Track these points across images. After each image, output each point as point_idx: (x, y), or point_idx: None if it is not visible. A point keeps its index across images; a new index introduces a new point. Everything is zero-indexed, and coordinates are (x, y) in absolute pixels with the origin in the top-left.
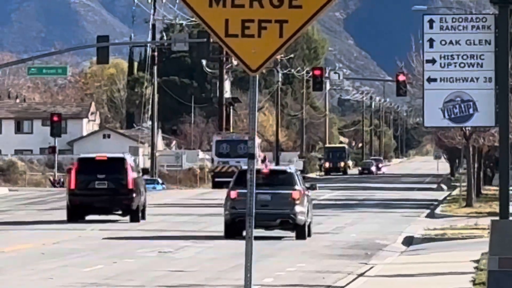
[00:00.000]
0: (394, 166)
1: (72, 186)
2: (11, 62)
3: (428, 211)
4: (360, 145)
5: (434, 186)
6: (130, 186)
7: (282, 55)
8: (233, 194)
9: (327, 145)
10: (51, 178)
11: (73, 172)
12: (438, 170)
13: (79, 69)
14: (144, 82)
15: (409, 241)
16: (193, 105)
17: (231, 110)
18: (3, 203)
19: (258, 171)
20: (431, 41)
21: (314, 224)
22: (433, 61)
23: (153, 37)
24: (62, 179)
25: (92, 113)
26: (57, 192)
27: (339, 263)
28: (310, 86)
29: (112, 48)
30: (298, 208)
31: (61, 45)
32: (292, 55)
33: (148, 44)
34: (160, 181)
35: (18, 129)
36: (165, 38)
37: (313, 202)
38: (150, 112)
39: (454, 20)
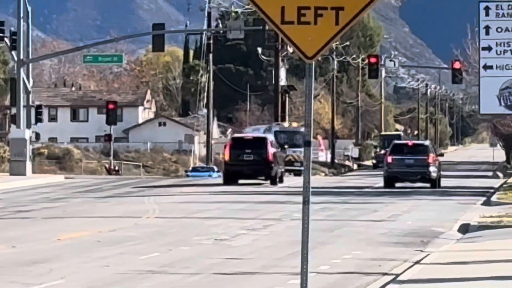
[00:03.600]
0: (450, 153)
1: (227, 158)
2: (67, 50)
3: (484, 198)
4: (415, 132)
5: (490, 173)
6: (270, 158)
7: (338, 43)
8: (389, 159)
9: (383, 132)
10: (107, 166)
11: (227, 148)
12: (493, 157)
13: (135, 57)
14: (199, 70)
15: (465, 228)
16: (248, 92)
17: (287, 98)
18: (59, 191)
19: (405, 144)
20: (487, 28)
21: (371, 211)
22: (489, 49)
23: (209, 25)
24: (117, 167)
25: (147, 101)
26: (112, 180)
27: (395, 250)
28: (366, 73)
29: (168, 36)
30: (431, 168)
31: (116, 33)
32: (347, 43)
33: (204, 32)
34: (215, 168)
35: (74, 117)
36: (220, 25)
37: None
38: (205, 100)
39: (510, 7)
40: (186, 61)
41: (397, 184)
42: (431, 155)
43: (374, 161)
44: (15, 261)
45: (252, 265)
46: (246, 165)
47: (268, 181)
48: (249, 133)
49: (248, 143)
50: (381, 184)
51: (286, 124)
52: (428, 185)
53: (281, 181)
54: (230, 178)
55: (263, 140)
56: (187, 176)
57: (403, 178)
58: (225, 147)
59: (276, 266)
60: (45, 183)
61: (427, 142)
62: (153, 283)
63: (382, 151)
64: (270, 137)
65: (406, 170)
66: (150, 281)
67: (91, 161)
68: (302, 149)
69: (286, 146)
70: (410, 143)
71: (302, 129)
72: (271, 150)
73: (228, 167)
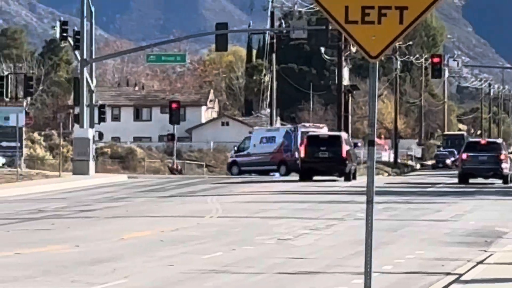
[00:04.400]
0: None
1: (303, 155)
2: (130, 49)
3: None
4: (478, 132)
5: None
6: (344, 155)
7: (401, 42)
8: (464, 156)
9: (446, 132)
10: (170, 165)
11: (303, 146)
12: None
13: (198, 57)
14: (262, 69)
15: None
16: (311, 92)
17: (350, 98)
18: (122, 190)
19: (478, 142)
20: None
21: (433, 211)
22: None
23: (272, 25)
24: (180, 167)
25: (210, 101)
26: (176, 179)
27: (458, 250)
28: (429, 73)
29: (231, 35)
30: (504, 165)
31: (179, 33)
32: (410, 42)
33: (267, 32)
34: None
35: (137, 116)
36: (283, 25)
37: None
38: (268, 100)
39: None
40: (249, 61)
41: (457, 183)
42: (503, 152)
43: (434, 161)
44: (79, 261)
45: (315, 264)
46: (321, 162)
47: (342, 178)
48: (261, 132)
49: (323, 141)
50: (453, 181)
51: (307, 124)
52: (500, 181)
53: (354, 177)
54: (306, 174)
55: (337, 138)
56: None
57: (476, 174)
58: (300, 145)
59: (339, 265)
60: (108, 183)
61: (499, 140)
62: (217, 283)
63: (441, 151)
64: (344, 135)
65: (480, 167)
66: (213, 280)
67: (154, 160)
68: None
69: None
70: (483, 141)
71: (324, 131)
72: (345, 147)
73: (304, 164)
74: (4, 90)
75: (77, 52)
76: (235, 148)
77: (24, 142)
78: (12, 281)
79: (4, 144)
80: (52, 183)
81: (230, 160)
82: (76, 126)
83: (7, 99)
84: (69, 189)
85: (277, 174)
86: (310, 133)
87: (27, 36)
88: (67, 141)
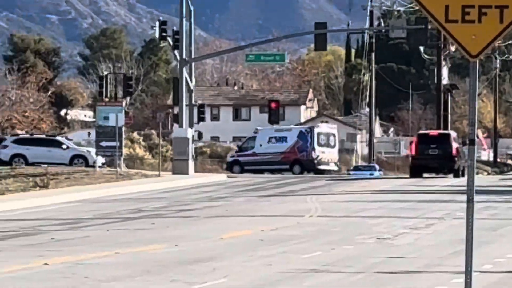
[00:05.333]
0: None
1: (413, 153)
2: (229, 49)
3: None
4: None
5: None
6: (454, 153)
7: (500, 41)
8: None
9: None
10: None
11: (414, 143)
12: None
13: (297, 56)
14: (361, 68)
15: None
16: (410, 91)
17: (449, 97)
18: (221, 190)
19: None
20: None
21: None
22: None
23: (371, 24)
24: None
25: (309, 100)
26: (276, 179)
27: None
28: None
29: (329, 35)
30: None
31: (278, 32)
32: (510, 41)
33: (366, 31)
34: (377, 167)
35: (236, 116)
36: (382, 24)
37: None
38: (367, 99)
39: None
40: (348, 60)
41: None
42: None
43: None
44: (178, 260)
45: (415, 264)
46: (431, 159)
47: (451, 175)
48: (268, 132)
49: (433, 139)
50: None
51: (321, 125)
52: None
53: (463, 174)
54: (416, 171)
55: (447, 136)
56: (348, 175)
57: None
58: (410, 143)
59: (439, 265)
60: (207, 182)
61: None
62: (316, 282)
63: None
64: (453, 133)
65: None
66: (313, 279)
67: None
68: (331, 150)
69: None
70: None
71: (334, 131)
72: (455, 145)
73: (414, 161)
74: (104, 90)
75: (176, 52)
76: (237, 148)
77: (123, 142)
78: (112, 280)
79: (104, 144)
80: (152, 182)
81: (230, 159)
82: (176, 125)
83: (107, 99)
84: (169, 188)
85: (375, 173)
86: (420, 131)
87: (126, 36)
88: (166, 140)
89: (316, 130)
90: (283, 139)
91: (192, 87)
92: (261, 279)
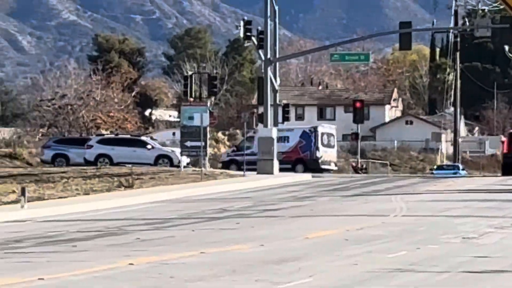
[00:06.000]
0: None
1: (505, 151)
2: (314, 49)
3: None
4: None
5: None
6: None
7: None
8: None
9: None
10: (354, 165)
11: (506, 141)
12: None
13: (381, 56)
14: (446, 68)
15: None
16: (495, 91)
17: None
18: (306, 189)
19: None
20: None
21: None
22: None
23: (455, 23)
24: (364, 165)
25: (394, 99)
26: (359, 178)
27: None
28: None
29: (414, 34)
30: None
31: (363, 32)
32: None
33: (450, 30)
34: (461, 167)
35: (321, 115)
36: (467, 23)
37: None
38: (452, 98)
39: None
40: (432, 60)
41: None
42: None
43: None
44: (264, 260)
45: (500, 263)
46: None
47: None
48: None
49: None
50: None
51: (325, 125)
52: None
53: None
54: (508, 169)
55: None
56: (431, 174)
57: None
58: (502, 141)
59: None
60: (292, 182)
61: None
62: (402, 281)
63: None
64: None
65: None
66: (398, 279)
67: (338, 159)
68: (332, 150)
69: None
70: None
71: (334, 132)
72: None
73: (507, 160)
74: (188, 89)
75: (261, 52)
76: (234, 147)
77: (208, 142)
78: (197, 280)
79: (189, 143)
80: (236, 182)
81: (227, 158)
82: (260, 125)
83: (191, 99)
84: (253, 188)
85: (461, 173)
86: (510, 130)
87: (211, 35)
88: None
89: (320, 130)
90: (284, 139)
91: (276, 87)
92: (346, 278)
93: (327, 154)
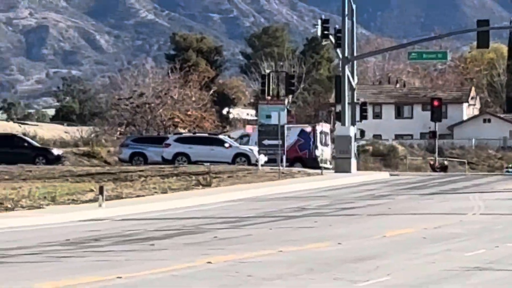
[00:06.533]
0: None
1: None
2: (391, 47)
3: None
4: None
5: None
6: None
7: None
8: None
9: None
10: (432, 163)
11: None
12: None
13: (459, 54)
14: None
15: None
16: None
17: None
18: (383, 188)
19: None
20: None
21: None
22: None
23: None
24: (446, 163)
25: (472, 98)
26: (437, 177)
27: None
28: None
29: (492, 32)
30: None
31: (440, 30)
32: None
33: None
34: None
35: (398, 114)
36: None
37: None
38: None
39: None
40: (510, 58)
41: None
42: None
43: None
44: (341, 258)
45: None
46: None
47: None
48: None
49: None
50: None
51: (321, 124)
52: None
53: None
54: None
55: None
56: (507, 173)
57: None
58: None
59: None
60: (369, 180)
61: None
62: (480, 280)
63: None
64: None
65: None
66: (476, 278)
67: (416, 158)
68: (328, 148)
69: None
70: None
71: (328, 131)
72: None
73: None
74: (266, 88)
75: (338, 50)
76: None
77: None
78: (275, 278)
79: (266, 142)
80: (314, 181)
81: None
82: (338, 124)
83: (269, 97)
84: (331, 186)
85: None
86: None
87: (288, 34)
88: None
89: (318, 129)
90: None
91: (354, 85)
92: (424, 277)
93: (324, 153)
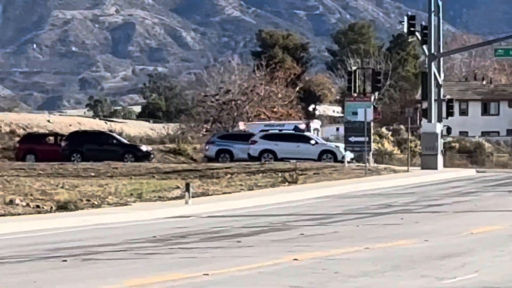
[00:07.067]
0: None
1: None
2: (477, 44)
3: None
4: None
5: None
6: None
7: None
8: None
9: None
10: None
11: None
12: None
13: None
14: None
15: None
16: None
17: None
18: (470, 185)
19: None
20: None
21: None
22: None
23: None
24: None
25: None
26: None
27: None
28: None
29: None
30: None
31: None
32: None
33: None
34: None
35: (485, 111)
36: None
37: None
38: None
39: None
40: None
41: None
42: None
43: None
44: (428, 255)
45: None
46: None
47: None
48: (259, 127)
49: None
50: None
51: (315, 121)
52: None
53: None
54: None
55: None
56: None
57: None
58: None
59: None
60: (456, 177)
61: None
62: None
63: None
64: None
65: None
66: None
67: (502, 155)
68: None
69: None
70: None
71: (318, 126)
72: None
73: None
74: (352, 85)
75: (424, 47)
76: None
77: (372, 137)
78: (362, 275)
79: (352, 139)
80: (400, 177)
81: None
82: (424, 120)
83: (355, 94)
84: (417, 183)
85: None
86: None
87: (374, 31)
88: (414, 135)
89: (312, 126)
90: None
91: (440, 82)
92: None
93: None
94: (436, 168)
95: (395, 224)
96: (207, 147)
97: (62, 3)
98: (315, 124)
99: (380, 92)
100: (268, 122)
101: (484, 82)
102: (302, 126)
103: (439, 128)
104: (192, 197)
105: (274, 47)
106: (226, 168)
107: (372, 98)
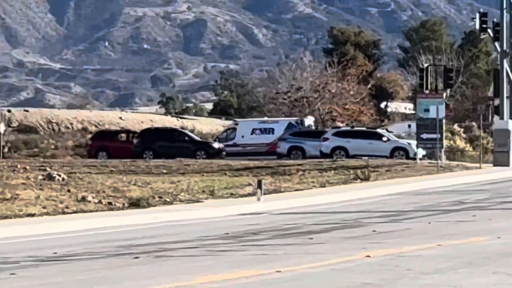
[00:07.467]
0: None
1: None
2: None
3: None
4: None
5: None
6: None
7: None
8: None
9: None
10: None
11: None
12: None
13: None
14: None
15: None
16: None
17: None
18: None
19: None
20: None
21: None
22: None
23: None
24: None
25: None
26: None
27: None
28: None
29: None
30: None
31: None
32: None
33: None
34: None
35: None
36: None
37: None
38: None
39: None
40: None
41: None
42: None
43: None
44: (501, 252)
45: None
46: None
47: None
48: (251, 124)
49: None
50: None
51: (309, 117)
52: None
53: None
54: None
55: None
56: None
57: None
58: None
59: None
60: None
61: None
62: None
63: None
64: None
65: None
66: None
67: None
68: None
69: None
70: None
71: (312, 123)
72: None
73: None
74: (424, 82)
75: (496, 44)
76: (215, 139)
77: (444, 134)
78: (434, 272)
79: (424, 136)
80: (472, 174)
81: None
82: (496, 117)
83: (427, 91)
84: (490, 180)
85: None
86: None
87: (446, 28)
88: (487, 132)
89: (306, 122)
90: (269, 131)
91: None
92: None
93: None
94: (508, 165)
95: (467, 221)
96: (279, 144)
97: (133, 0)
98: (309, 120)
99: (452, 89)
100: (261, 119)
101: None
102: (308, 122)
103: (511, 125)
104: (264, 194)
105: (345, 44)
106: (298, 165)
107: (444, 95)
